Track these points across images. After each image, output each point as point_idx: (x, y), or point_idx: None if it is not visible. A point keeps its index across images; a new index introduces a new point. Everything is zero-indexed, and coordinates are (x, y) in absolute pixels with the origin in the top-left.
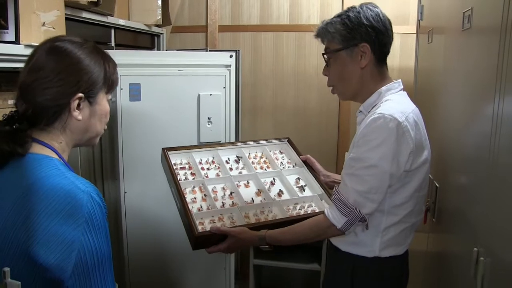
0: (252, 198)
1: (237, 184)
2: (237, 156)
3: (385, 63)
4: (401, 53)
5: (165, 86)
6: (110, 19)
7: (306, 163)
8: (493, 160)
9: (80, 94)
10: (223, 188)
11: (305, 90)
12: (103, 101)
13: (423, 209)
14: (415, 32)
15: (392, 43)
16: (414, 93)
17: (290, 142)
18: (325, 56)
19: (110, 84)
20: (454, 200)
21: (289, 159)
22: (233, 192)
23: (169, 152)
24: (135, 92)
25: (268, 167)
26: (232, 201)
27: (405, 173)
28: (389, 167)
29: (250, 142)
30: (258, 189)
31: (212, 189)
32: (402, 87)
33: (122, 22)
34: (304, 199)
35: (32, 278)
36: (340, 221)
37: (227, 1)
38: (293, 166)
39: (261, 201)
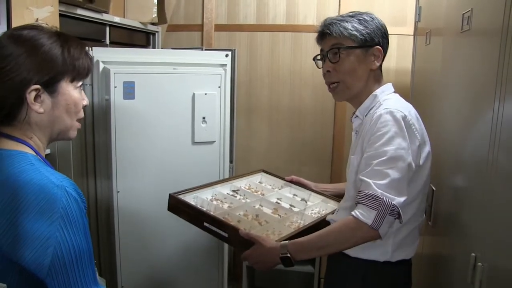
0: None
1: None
2: (232, 190)
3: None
4: (398, 54)
5: (160, 85)
6: (105, 16)
7: (293, 182)
8: (492, 164)
9: (36, 86)
10: (245, 215)
11: (300, 89)
12: (67, 90)
13: (424, 209)
14: (412, 33)
15: None
16: (411, 94)
17: (265, 171)
18: (332, 52)
19: (76, 71)
20: (451, 203)
21: (273, 184)
22: (258, 215)
23: (179, 196)
24: (129, 90)
25: (262, 194)
26: (260, 224)
27: (415, 168)
28: (407, 156)
29: (231, 180)
30: (274, 208)
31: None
32: (393, 89)
33: (117, 19)
34: (312, 207)
35: (11, 277)
36: (369, 217)
37: (223, 0)
38: (280, 189)
39: (282, 216)
